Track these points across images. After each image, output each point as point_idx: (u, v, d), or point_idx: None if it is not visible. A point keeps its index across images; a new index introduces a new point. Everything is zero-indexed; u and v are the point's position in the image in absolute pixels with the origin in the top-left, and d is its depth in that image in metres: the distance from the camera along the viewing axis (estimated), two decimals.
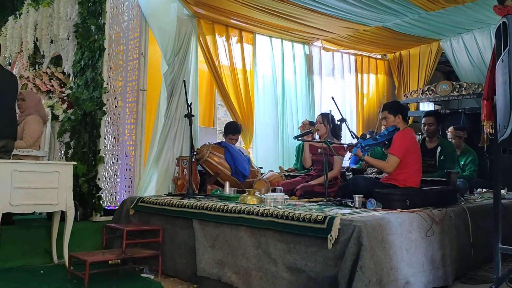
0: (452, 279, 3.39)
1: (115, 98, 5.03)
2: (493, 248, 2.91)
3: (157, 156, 4.77)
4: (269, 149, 5.92)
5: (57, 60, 5.45)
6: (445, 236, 3.37)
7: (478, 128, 5.93)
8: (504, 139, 2.46)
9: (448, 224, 3.44)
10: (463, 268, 3.58)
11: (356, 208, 3.34)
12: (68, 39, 5.07)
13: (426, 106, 7.26)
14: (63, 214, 3.84)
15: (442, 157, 4.64)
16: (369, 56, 7.51)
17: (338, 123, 4.46)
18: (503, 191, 4.14)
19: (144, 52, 4.83)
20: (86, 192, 4.50)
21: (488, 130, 2.93)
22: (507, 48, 2.37)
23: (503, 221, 3.02)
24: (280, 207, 3.26)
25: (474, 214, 3.78)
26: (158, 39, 4.84)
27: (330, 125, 4.39)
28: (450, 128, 5.36)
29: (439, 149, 4.70)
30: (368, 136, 4.05)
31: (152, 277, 3.69)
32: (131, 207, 4.17)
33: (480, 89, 6.22)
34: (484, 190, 4.83)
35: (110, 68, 5.01)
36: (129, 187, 4.86)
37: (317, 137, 4.65)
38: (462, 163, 5.24)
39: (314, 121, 5.56)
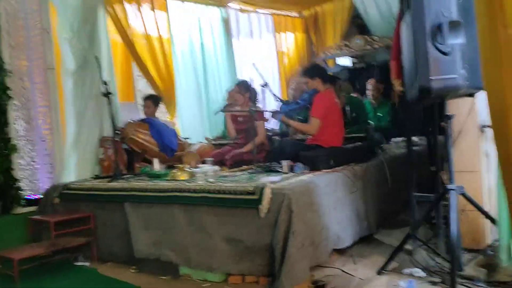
0: (376, 226, 3.69)
1: (21, 79, 4.62)
2: (408, 196, 3.19)
3: (76, 138, 4.52)
4: (194, 117, 5.83)
5: None
6: (367, 189, 3.62)
7: (389, 79, 6.27)
8: (411, 98, 2.64)
9: (369, 177, 3.69)
10: (385, 215, 3.90)
11: (285, 173, 3.45)
12: None
13: (343, 61, 7.50)
14: None
15: (354, 114, 4.89)
16: (286, 15, 7.53)
17: (261, 87, 4.50)
18: (415, 139, 4.45)
19: (47, 27, 4.44)
20: (2, 184, 4.19)
21: (397, 89, 3.12)
22: (409, 11, 2.48)
23: (417, 168, 3.28)
24: (211, 180, 3.28)
25: (391, 164, 4.07)
26: (62, 14, 4.46)
27: (248, 92, 4.43)
28: (371, 81, 5.61)
29: (348, 107, 4.96)
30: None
31: (87, 264, 3.61)
32: (55, 196, 3.97)
33: (390, 42, 6.52)
34: (400, 139, 5.17)
35: (12, 47, 4.56)
36: (50, 173, 4.60)
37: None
38: (379, 114, 5.56)
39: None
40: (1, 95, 4.22)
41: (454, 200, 2.59)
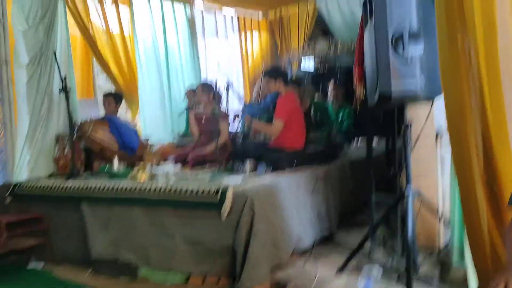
0: (336, 226, 3.76)
1: None
2: (367, 197, 3.27)
3: (31, 136, 4.33)
4: (157, 116, 5.74)
5: None
6: (329, 190, 3.69)
7: (352, 84, 6.42)
8: (372, 103, 2.71)
9: (330, 179, 3.76)
10: (345, 215, 3.97)
11: (248, 173, 3.45)
12: None
13: (307, 65, 7.60)
14: None
15: (317, 118, 4.99)
16: (251, 17, 7.54)
17: (225, 88, 4.48)
18: (374, 141, 4.57)
19: (3, 21, 4.24)
20: None
21: (359, 94, 3.19)
22: (372, 19, 2.54)
23: (375, 170, 3.37)
24: (171, 182, 3.23)
25: (352, 166, 4.17)
26: (19, 6, 4.26)
27: (212, 93, 4.42)
28: (330, 84, 5.73)
29: (312, 110, 5.05)
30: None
31: (40, 267, 3.47)
32: (6, 195, 3.79)
33: (352, 47, 6.67)
34: (360, 140, 5.28)
35: None
36: (2, 170, 4.38)
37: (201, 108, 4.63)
38: (340, 117, 5.67)
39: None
40: None
41: (411, 202, 2.68)
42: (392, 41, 2.37)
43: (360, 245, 2.92)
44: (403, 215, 2.99)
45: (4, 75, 4.29)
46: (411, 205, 2.67)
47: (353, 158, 4.36)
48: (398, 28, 2.37)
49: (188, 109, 4.76)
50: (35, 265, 3.47)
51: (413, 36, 2.31)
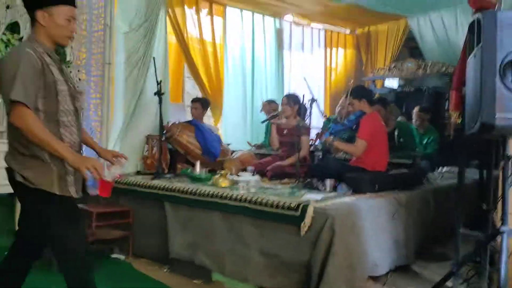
0: (413, 257, 3.59)
1: (78, 70, 4.80)
2: (455, 232, 3.08)
3: (124, 133, 4.65)
4: (237, 125, 5.89)
5: (13, 27, 5.10)
6: (410, 217, 3.53)
7: (439, 107, 6.14)
8: (471, 132, 2.56)
9: (412, 206, 3.60)
10: (424, 246, 3.78)
11: (327, 192, 3.41)
12: None
13: (391, 83, 7.39)
14: None
15: (401, 139, 4.79)
16: (338, 32, 7.50)
17: (309, 102, 4.49)
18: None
19: (110, 23, 4.60)
20: None
21: (455, 120, 3.03)
22: (480, 45, 2.41)
23: (463, 201, 3.17)
24: (252, 191, 3.28)
25: (436, 194, 3.96)
26: (124, 10, 4.61)
27: (297, 106, 4.42)
28: (415, 110, 5.50)
29: (396, 131, 4.87)
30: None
31: (122, 257, 3.68)
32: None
33: (443, 68, 6.38)
34: (444, 169, 5.03)
35: (73, 39, 4.75)
36: None
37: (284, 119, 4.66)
38: (425, 142, 5.43)
39: (274, 99, 5.59)
40: None
41: (506, 242, 2.48)
42: (500, 69, 2.24)
43: (443, 282, 2.75)
44: (492, 254, 2.80)
45: (106, 75, 4.64)
46: (506, 245, 2.48)
47: (435, 187, 4.15)
48: (508, 55, 2.24)
49: (270, 119, 4.80)
50: (117, 255, 3.69)
51: None
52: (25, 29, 4.80)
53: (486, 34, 2.32)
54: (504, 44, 2.26)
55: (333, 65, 7.48)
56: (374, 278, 3.13)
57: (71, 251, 1.97)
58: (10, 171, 1.98)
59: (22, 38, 4.89)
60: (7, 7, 5.10)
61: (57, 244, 1.99)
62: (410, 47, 7.89)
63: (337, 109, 5.30)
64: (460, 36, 5.86)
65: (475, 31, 2.52)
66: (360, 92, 4.04)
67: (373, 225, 3.06)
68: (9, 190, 3.68)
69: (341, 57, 7.60)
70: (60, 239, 1.97)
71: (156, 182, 3.73)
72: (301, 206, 2.81)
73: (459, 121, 2.94)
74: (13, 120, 1.85)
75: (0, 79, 1.89)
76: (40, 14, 1.99)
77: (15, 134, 1.92)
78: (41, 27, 2.01)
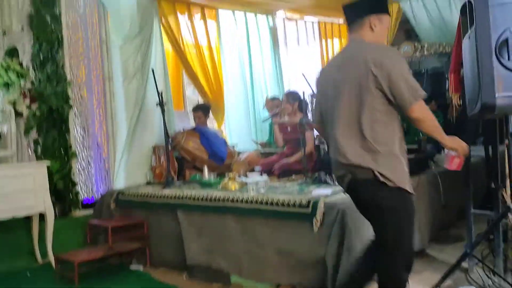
0: (428, 240, 3.61)
1: (80, 88, 4.86)
2: (465, 212, 3.10)
3: (129, 145, 4.70)
4: (241, 125, 5.92)
5: (11, 53, 5.17)
6: (420, 202, 3.53)
7: (441, 88, 6.12)
8: (473, 113, 2.58)
9: (421, 190, 3.61)
10: (437, 229, 3.80)
11: (336, 184, 3.43)
12: (23, 31, 4.79)
13: None
14: (42, 213, 3.78)
15: (404, 124, 4.78)
16: (332, 22, 7.49)
17: (309, 98, 4.50)
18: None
19: (106, 39, 4.65)
20: (62, 188, 4.41)
21: (456, 102, 3.05)
22: (473, 27, 2.43)
23: (472, 180, 3.19)
24: (262, 191, 3.32)
25: (444, 177, 3.97)
26: (118, 24, 4.66)
27: (297, 102, 4.45)
28: None
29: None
30: None
31: (141, 268, 3.73)
32: (112, 201, 4.13)
33: (441, 48, 6.36)
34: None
35: (71, 57, 4.81)
36: (105, 178, 4.80)
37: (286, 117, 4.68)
38: None
39: (276, 96, 5.62)
40: (62, 105, 4.44)
41: None
42: (495, 49, 2.25)
43: (458, 263, 2.78)
44: (505, 231, 2.81)
45: (107, 90, 4.69)
46: None
47: (445, 169, 4.14)
48: (503, 34, 2.25)
49: (272, 117, 4.84)
50: (136, 267, 3.75)
51: None
52: (23, 54, 4.86)
53: (479, 15, 2.33)
54: (497, 23, 2.27)
55: (330, 56, 7.47)
56: None
57: (405, 253, 2.09)
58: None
59: (21, 63, 4.96)
60: (4, 33, 5.16)
61: (394, 244, 2.07)
62: (406, 30, 7.85)
63: None
64: (454, 15, 5.83)
65: (467, 12, 2.54)
66: None
67: None
68: (26, 213, 3.77)
69: (337, 47, 7.59)
70: (402, 238, 2.07)
71: (167, 192, 3.77)
72: (311, 202, 2.84)
73: (459, 102, 2.95)
74: (418, 115, 2.08)
75: (396, 76, 1.98)
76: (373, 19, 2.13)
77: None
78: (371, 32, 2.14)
